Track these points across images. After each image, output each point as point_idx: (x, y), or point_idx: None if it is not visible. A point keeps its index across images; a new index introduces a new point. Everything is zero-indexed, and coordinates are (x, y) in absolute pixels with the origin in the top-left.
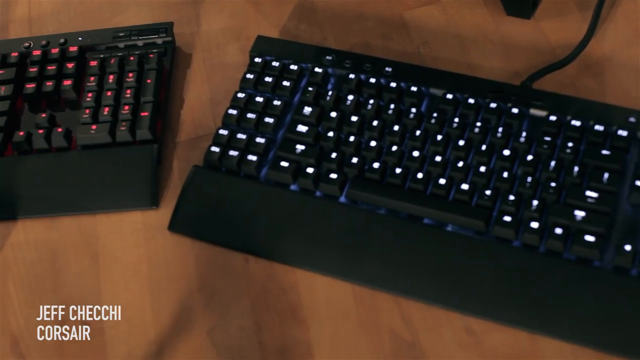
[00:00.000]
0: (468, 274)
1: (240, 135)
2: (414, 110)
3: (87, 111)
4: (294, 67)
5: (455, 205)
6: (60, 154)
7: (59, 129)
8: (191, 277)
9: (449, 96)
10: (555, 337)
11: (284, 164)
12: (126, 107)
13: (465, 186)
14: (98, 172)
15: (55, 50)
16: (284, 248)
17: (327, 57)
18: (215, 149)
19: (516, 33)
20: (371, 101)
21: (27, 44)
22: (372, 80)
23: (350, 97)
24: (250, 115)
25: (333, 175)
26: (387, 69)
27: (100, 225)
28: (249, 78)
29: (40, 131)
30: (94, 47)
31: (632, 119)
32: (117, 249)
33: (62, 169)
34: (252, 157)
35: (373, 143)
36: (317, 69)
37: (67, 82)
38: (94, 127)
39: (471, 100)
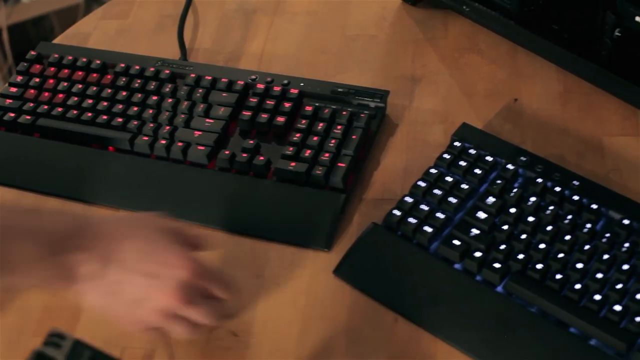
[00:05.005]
0: None
1: (423, 207)
2: (589, 225)
3: (291, 148)
4: (489, 158)
5: (604, 322)
6: (256, 179)
7: (261, 157)
8: (341, 321)
9: (626, 222)
10: None
11: (456, 242)
12: (327, 155)
13: (618, 307)
14: (285, 205)
15: (277, 88)
16: (433, 318)
17: (522, 158)
18: (396, 212)
19: None
20: (551, 207)
21: (253, 77)
22: (557, 189)
23: (533, 199)
24: (436, 191)
25: (497, 265)
26: (574, 182)
27: (273, 251)
28: (445, 158)
29: (244, 155)
30: (312, 95)
31: None
32: (282, 277)
33: (254, 193)
34: (428, 229)
35: (542, 245)
36: (509, 166)
37: (281, 119)
38: (293, 163)
39: None
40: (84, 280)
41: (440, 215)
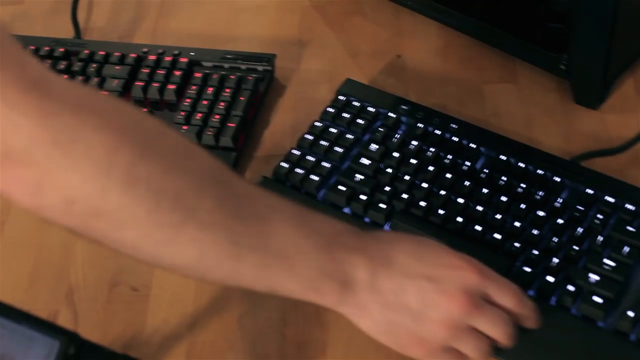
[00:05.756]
0: None
1: (310, 158)
2: (468, 164)
3: (182, 113)
4: (371, 109)
5: (485, 250)
6: None
7: None
8: None
9: (502, 157)
10: None
11: (342, 188)
12: (216, 116)
13: (498, 236)
14: None
15: (168, 59)
16: None
17: (403, 107)
18: (284, 164)
19: (580, 120)
20: (432, 150)
21: (145, 50)
22: (437, 132)
23: (415, 143)
24: (322, 143)
25: (382, 205)
26: (452, 125)
27: None
28: (330, 111)
29: None
30: (202, 63)
31: None
32: None
33: None
34: (315, 177)
35: (425, 185)
36: (390, 114)
37: (171, 87)
38: (185, 127)
39: (521, 164)
40: (360, 287)
41: (326, 164)
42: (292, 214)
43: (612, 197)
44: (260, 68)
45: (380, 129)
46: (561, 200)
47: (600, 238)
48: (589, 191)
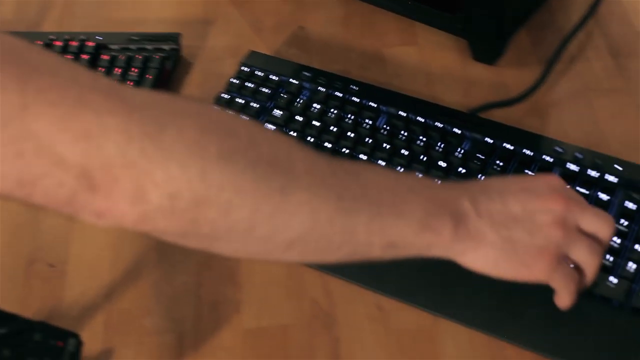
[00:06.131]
0: None
1: None
2: (369, 122)
3: None
4: (274, 77)
5: None
6: None
7: None
8: (150, 240)
9: (402, 113)
10: (453, 320)
11: None
12: None
13: None
14: None
15: (74, 44)
16: None
17: (305, 74)
18: None
19: (479, 75)
20: (334, 111)
21: (52, 37)
22: (339, 94)
23: (317, 106)
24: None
25: None
26: (353, 87)
27: None
28: (235, 83)
29: None
30: (109, 46)
31: (558, 149)
32: None
33: None
34: None
35: (328, 145)
36: (293, 81)
37: None
38: None
39: (420, 119)
40: (469, 216)
41: None
42: (374, 167)
43: (511, 145)
44: (166, 47)
45: (283, 95)
46: (462, 151)
47: None
48: (488, 140)
